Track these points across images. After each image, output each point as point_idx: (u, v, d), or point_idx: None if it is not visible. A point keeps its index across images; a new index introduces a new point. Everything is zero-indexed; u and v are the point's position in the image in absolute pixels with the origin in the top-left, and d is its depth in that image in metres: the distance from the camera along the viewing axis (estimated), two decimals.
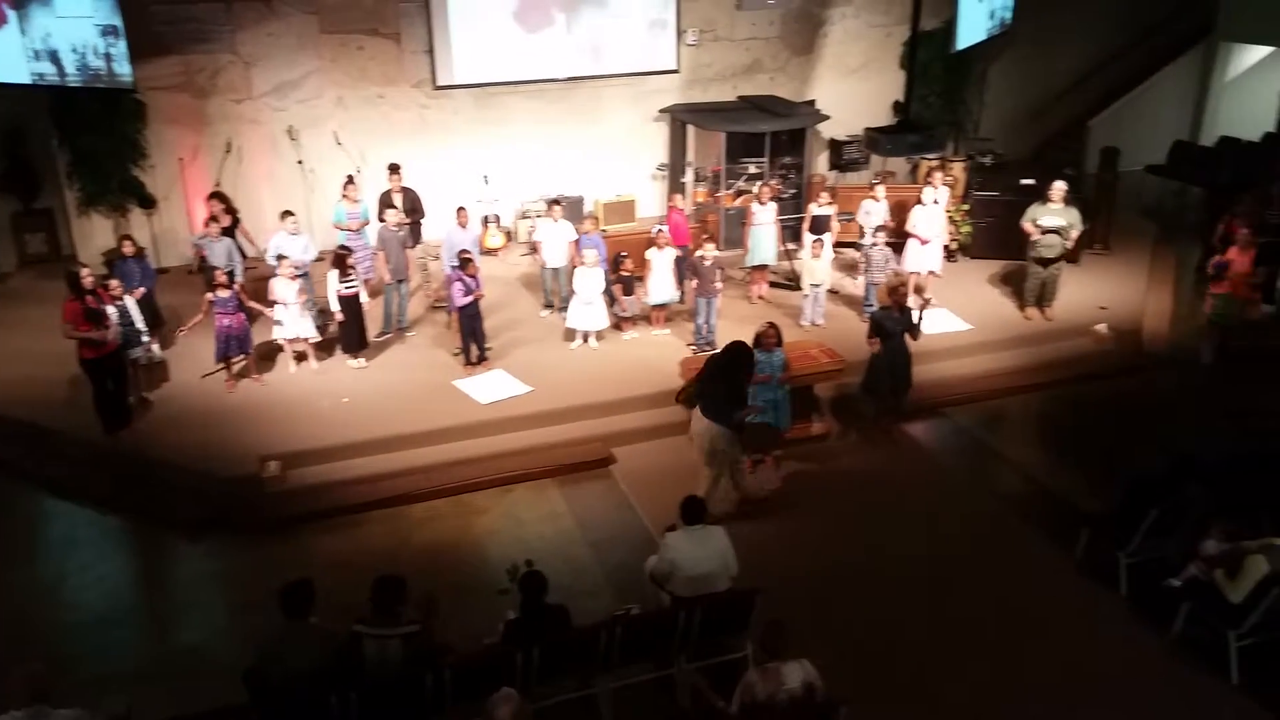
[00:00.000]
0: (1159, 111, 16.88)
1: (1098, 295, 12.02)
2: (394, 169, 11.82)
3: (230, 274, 10.20)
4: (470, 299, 10.04)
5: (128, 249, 10.40)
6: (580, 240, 11.10)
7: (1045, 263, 11.22)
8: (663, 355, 10.48)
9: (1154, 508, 7.08)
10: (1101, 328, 11.25)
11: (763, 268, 12.06)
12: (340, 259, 10.19)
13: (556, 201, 11.78)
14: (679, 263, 11.13)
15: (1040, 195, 11.34)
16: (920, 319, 9.29)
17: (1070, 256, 11.52)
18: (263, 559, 7.82)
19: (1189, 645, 6.72)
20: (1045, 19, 15.74)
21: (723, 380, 7.93)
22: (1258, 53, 16.96)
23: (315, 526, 8.31)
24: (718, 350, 8.74)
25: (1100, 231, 13.33)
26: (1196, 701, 6.39)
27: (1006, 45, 15.80)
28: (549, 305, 11.76)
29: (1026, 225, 11.18)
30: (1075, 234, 11.19)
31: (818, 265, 11.20)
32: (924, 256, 11.63)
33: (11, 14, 10.69)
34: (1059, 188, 11.09)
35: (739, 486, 8.23)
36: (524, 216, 14.05)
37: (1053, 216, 11.05)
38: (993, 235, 12.82)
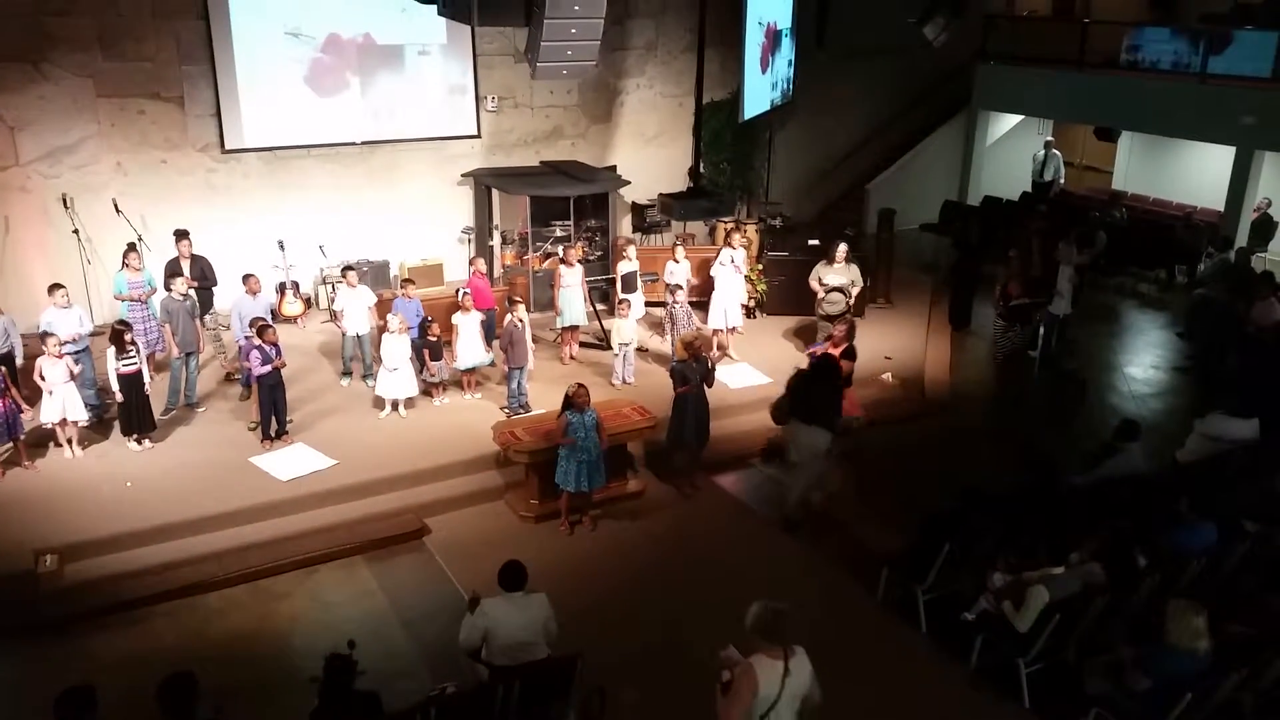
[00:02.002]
0: (930, 174, 18.34)
1: (882, 346, 12.77)
2: (181, 235, 11.25)
3: (8, 355, 9.38)
4: (269, 368, 9.62)
5: None
6: (394, 304, 10.90)
7: (832, 318, 11.87)
8: (476, 420, 10.33)
9: (947, 543, 7.52)
10: (887, 376, 11.97)
11: (573, 328, 12.17)
12: (117, 334, 9.53)
13: (350, 267, 11.51)
14: (485, 326, 11.09)
15: (826, 255, 12.04)
16: (713, 369, 9.67)
17: (855, 311, 12.23)
18: (41, 665, 7.11)
19: (986, 675, 7.09)
20: (824, 91, 16.90)
21: (825, 391, 8.97)
22: (1012, 119, 18.75)
23: (99, 625, 7.63)
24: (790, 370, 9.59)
25: (881, 286, 14.24)
26: None
27: (790, 115, 16.84)
28: (347, 373, 11.39)
29: (813, 284, 11.84)
30: (856, 290, 11.90)
31: (625, 324, 11.40)
32: (726, 314, 12.06)
33: None
34: (841, 249, 11.82)
35: (829, 482, 9.26)
36: (324, 282, 13.66)
37: (836, 275, 11.75)
38: (785, 293, 13.46)
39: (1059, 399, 11.91)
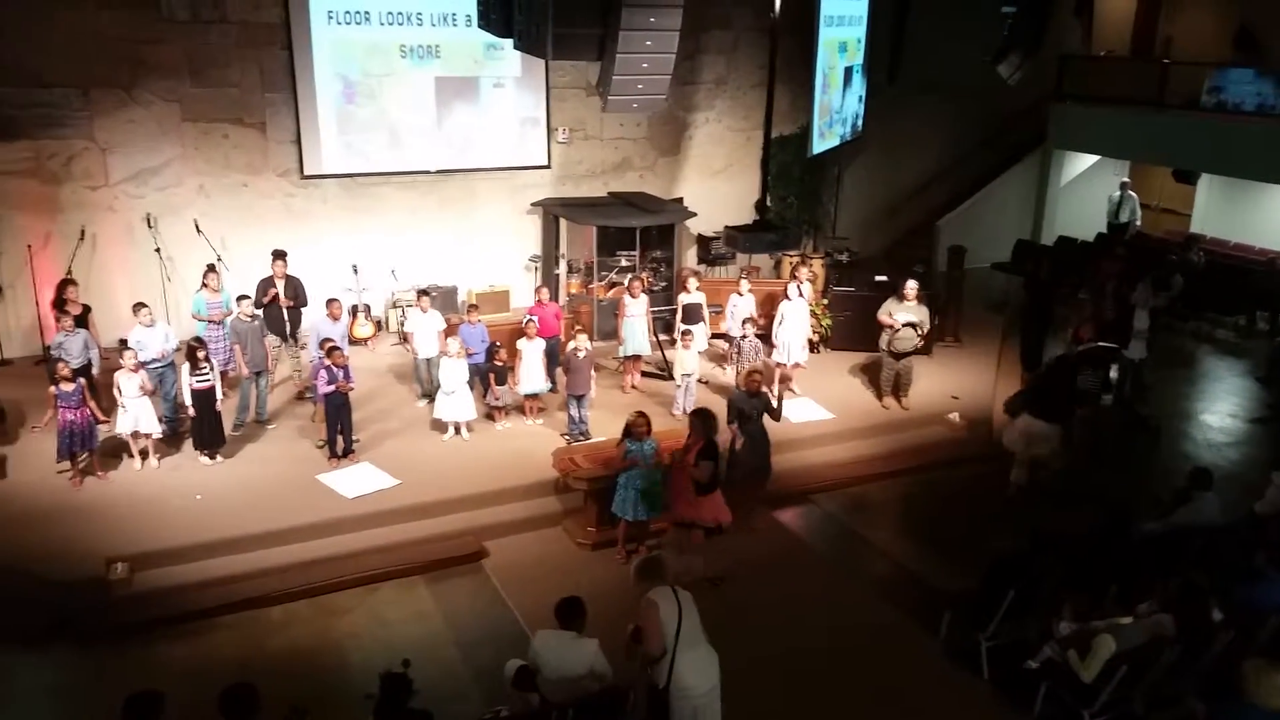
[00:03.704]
0: (1002, 212, 18.10)
1: (950, 385, 12.61)
2: (279, 255, 11.58)
3: (85, 367, 9.72)
4: (333, 388, 9.81)
5: None
6: (460, 329, 11.06)
7: (899, 355, 11.73)
8: (536, 446, 10.40)
9: (1011, 589, 7.35)
10: (954, 416, 11.78)
11: (636, 358, 12.21)
12: (192, 351, 9.84)
13: (425, 292, 11.73)
14: (548, 353, 11.20)
15: (893, 291, 11.93)
16: (780, 404, 9.58)
17: (923, 349, 12.08)
18: (108, 669, 7.30)
19: None
20: (894, 127, 16.82)
21: (1058, 391, 10.01)
22: (1088, 159, 18.45)
23: (165, 633, 7.81)
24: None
25: (950, 325, 14.06)
26: None
27: (859, 150, 16.78)
28: (426, 395, 11.55)
29: (883, 318, 11.70)
30: (925, 328, 11.76)
31: (688, 355, 11.41)
32: (790, 348, 12.00)
33: None
34: (912, 287, 11.67)
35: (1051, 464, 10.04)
36: (395, 306, 13.92)
37: (907, 313, 11.61)
38: (851, 328, 13.35)
39: (1132, 445, 11.60)
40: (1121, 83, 17.00)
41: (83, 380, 9.53)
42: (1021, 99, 16.64)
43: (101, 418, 9.63)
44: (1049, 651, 6.97)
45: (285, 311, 11.43)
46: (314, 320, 11.16)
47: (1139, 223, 17.71)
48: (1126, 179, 17.82)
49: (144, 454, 9.96)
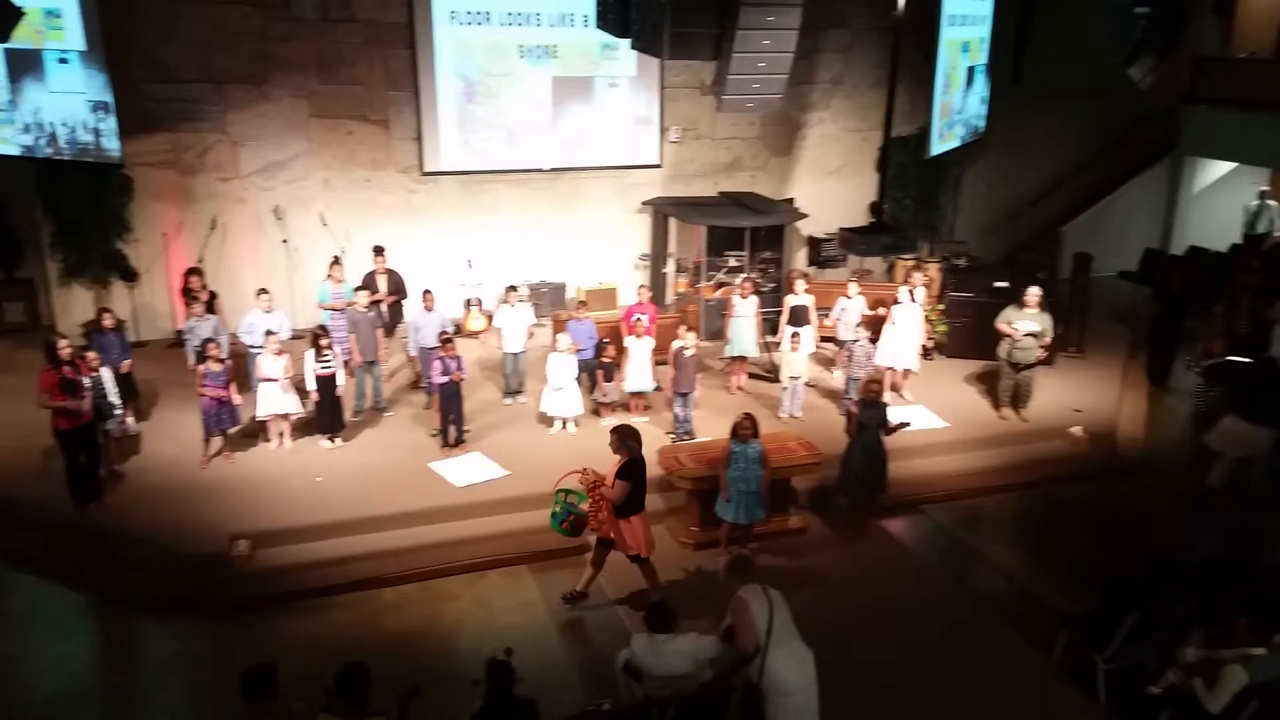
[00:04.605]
0: (1130, 220, 17.38)
1: (1072, 398, 12.16)
2: (379, 251, 11.91)
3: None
4: (447, 379, 10.02)
5: (108, 321, 10.40)
6: (568, 325, 11.16)
7: (1020, 366, 11.35)
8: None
9: (1133, 611, 7.05)
10: (1076, 430, 11.34)
11: (742, 359, 12.14)
12: (316, 338, 10.20)
13: (514, 288, 11.81)
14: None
15: (1013, 298, 11.55)
16: (894, 420, 9.40)
17: (1044, 359, 11.67)
18: (227, 641, 7.61)
19: None
20: (1018, 128, 16.33)
21: (1274, 390, 9.76)
22: (1224, 166, 17.58)
23: (282, 609, 8.10)
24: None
25: (1074, 335, 13.55)
26: None
27: (980, 152, 16.33)
28: (511, 392, 11.64)
29: (1003, 326, 11.33)
30: (1048, 339, 11.36)
31: (795, 358, 11.29)
32: (901, 354, 11.75)
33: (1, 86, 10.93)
34: (1034, 293, 11.26)
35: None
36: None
37: (1028, 321, 11.22)
38: (967, 335, 13.00)
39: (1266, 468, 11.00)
40: (1263, 86, 16.11)
41: (229, 361, 9.96)
42: (1153, 102, 15.94)
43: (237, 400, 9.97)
44: (1173, 678, 6.66)
45: (385, 305, 11.70)
46: (413, 313, 11.41)
47: (1278, 234, 16.79)
48: (1266, 187, 16.91)
49: (281, 435, 10.34)
